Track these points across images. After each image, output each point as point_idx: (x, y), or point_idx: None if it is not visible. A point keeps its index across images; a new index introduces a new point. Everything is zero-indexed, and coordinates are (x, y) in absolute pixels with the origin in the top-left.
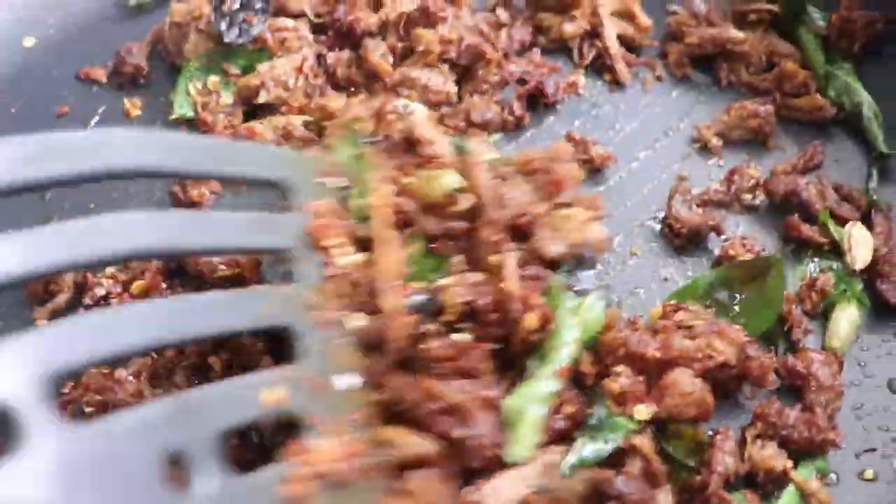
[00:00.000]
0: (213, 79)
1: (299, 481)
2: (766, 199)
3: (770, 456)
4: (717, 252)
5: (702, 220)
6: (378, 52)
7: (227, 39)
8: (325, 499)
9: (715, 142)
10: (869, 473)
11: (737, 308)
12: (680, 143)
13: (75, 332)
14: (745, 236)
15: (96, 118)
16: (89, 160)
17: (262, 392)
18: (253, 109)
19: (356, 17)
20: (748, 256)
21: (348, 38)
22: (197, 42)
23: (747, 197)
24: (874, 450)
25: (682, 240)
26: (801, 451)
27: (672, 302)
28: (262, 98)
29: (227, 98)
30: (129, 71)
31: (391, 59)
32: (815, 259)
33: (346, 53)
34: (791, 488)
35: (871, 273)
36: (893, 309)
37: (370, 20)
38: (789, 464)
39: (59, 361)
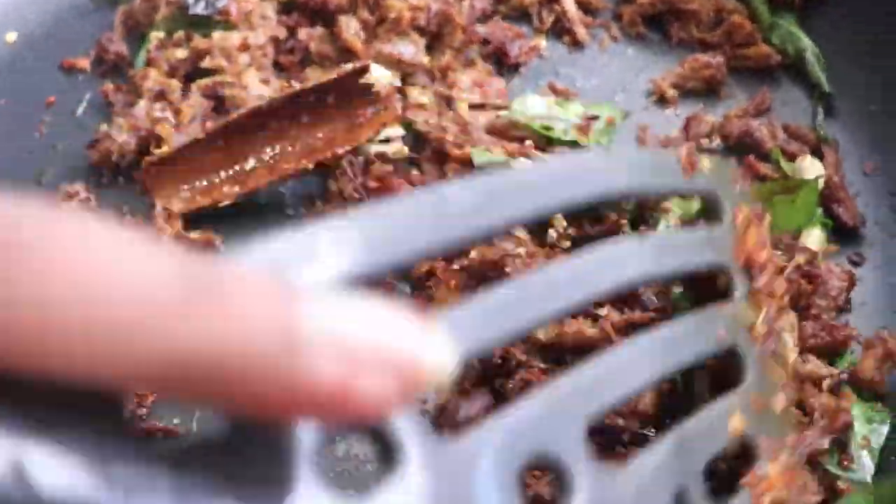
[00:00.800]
0: (179, 34)
1: None
2: (721, 143)
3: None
4: None
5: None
6: (351, 30)
7: (192, 11)
8: None
9: (671, 93)
10: None
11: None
12: (638, 97)
13: (604, 374)
14: None
15: (83, 105)
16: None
17: (731, 419)
18: (196, 73)
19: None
20: None
21: (320, 15)
22: (165, 14)
23: (704, 141)
24: None
25: None
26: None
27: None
28: (206, 63)
29: (181, 54)
30: (111, 58)
31: (363, 35)
32: None
33: (318, 30)
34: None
35: (827, 200)
36: (852, 230)
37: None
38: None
39: (600, 409)
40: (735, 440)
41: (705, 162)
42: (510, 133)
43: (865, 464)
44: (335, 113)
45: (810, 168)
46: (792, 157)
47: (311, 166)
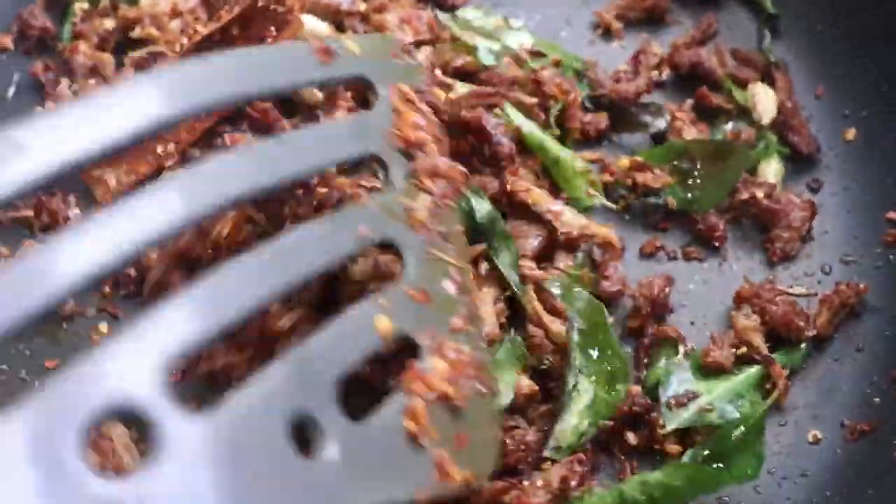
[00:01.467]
0: (104, 3)
1: (421, 410)
2: (671, 73)
3: (752, 328)
4: (661, 126)
5: (637, 89)
6: None
7: None
8: (443, 424)
9: (616, 25)
10: None
11: (695, 181)
12: (583, 31)
13: (183, 311)
14: (696, 122)
15: (13, 88)
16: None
17: (378, 320)
18: (126, 43)
19: None
20: (696, 134)
21: None
22: None
23: (654, 73)
24: None
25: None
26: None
27: (639, 158)
28: (136, 33)
29: (108, 24)
30: (35, 33)
31: None
32: (729, 123)
33: None
34: (755, 369)
35: (781, 128)
36: (808, 157)
37: None
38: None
39: (177, 347)
40: (390, 339)
41: (350, 45)
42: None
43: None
44: (244, 42)
45: (763, 95)
46: (743, 84)
47: None
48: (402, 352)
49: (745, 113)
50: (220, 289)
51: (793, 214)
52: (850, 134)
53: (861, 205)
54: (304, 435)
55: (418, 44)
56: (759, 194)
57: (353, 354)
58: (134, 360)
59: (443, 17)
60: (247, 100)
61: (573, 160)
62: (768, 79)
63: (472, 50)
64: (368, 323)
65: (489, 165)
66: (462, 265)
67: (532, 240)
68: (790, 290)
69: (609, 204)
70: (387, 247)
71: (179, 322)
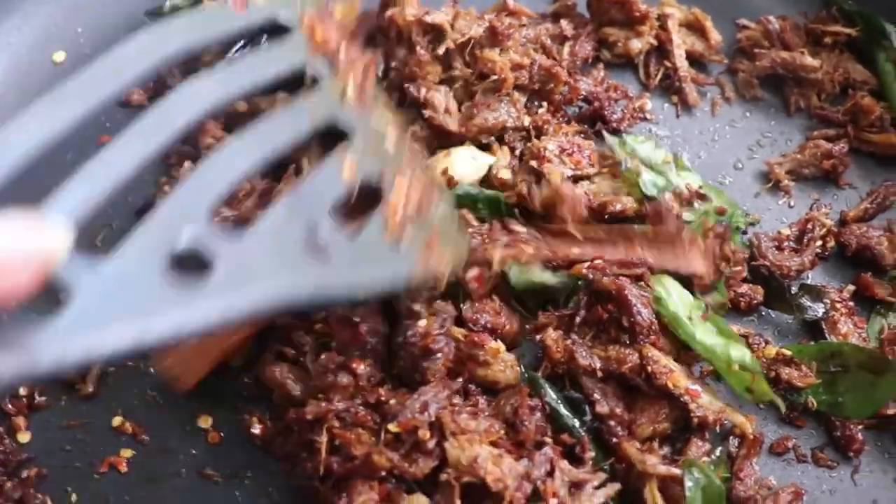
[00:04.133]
0: None
1: (396, 220)
2: (835, 247)
3: None
4: (818, 313)
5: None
6: (442, 110)
7: None
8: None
9: (786, 181)
10: None
11: (842, 386)
12: (750, 181)
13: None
14: (854, 313)
15: None
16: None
17: (343, 170)
18: None
19: (418, 85)
20: (856, 338)
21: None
22: None
23: (818, 244)
24: None
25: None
26: None
27: (788, 352)
28: None
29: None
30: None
31: (455, 107)
32: (889, 316)
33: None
34: None
35: None
36: None
37: (433, 78)
38: None
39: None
40: (354, 182)
41: None
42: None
43: None
44: None
45: None
46: None
47: None
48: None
49: None
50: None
51: None
52: None
53: None
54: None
55: (576, 179)
56: None
57: (338, 189)
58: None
59: (610, 140)
60: (178, 61)
61: (728, 357)
62: None
63: (634, 182)
64: (336, 172)
65: (627, 334)
66: (393, 128)
67: (658, 424)
68: None
69: (778, 400)
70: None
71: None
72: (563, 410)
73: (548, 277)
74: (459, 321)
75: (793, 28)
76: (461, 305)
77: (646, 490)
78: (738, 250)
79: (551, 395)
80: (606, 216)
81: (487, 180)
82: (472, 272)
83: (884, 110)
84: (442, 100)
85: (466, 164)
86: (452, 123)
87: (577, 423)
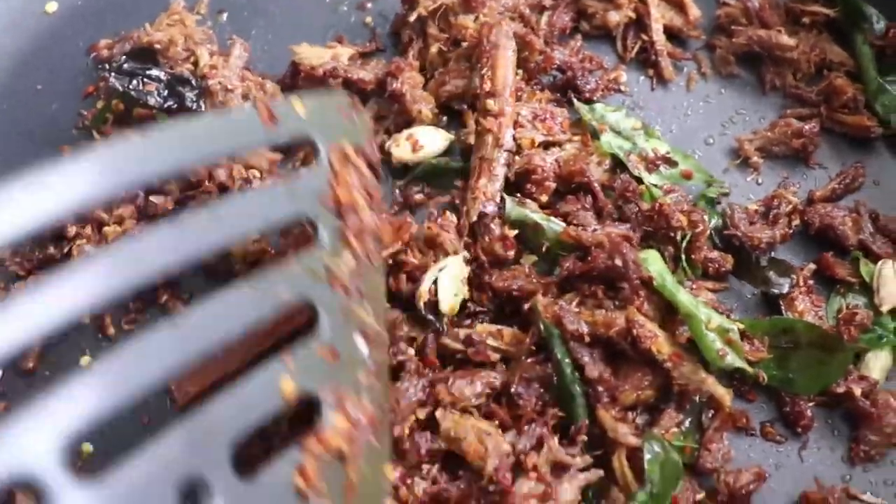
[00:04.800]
0: None
1: (312, 468)
2: (799, 225)
3: None
4: (783, 289)
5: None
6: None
7: None
8: (333, 477)
9: (756, 158)
10: None
11: (794, 363)
12: (720, 156)
13: (85, 387)
14: (812, 291)
15: None
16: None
17: (283, 382)
18: None
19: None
20: (812, 316)
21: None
22: None
23: (783, 222)
24: None
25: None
26: None
27: (741, 326)
28: None
29: None
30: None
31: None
32: (847, 295)
33: None
34: None
35: None
36: None
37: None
38: None
39: (75, 422)
40: (291, 402)
41: (297, 106)
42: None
43: None
44: None
45: (890, 279)
46: (874, 259)
47: None
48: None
49: (867, 290)
50: (125, 364)
51: (886, 419)
52: None
53: None
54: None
55: (547, 145)
56: (857, 391)
57: (254, 416)
58: (34, 435)
59: (579, 105)
60: (195, 165)
61: (709, 315)
62: None
63: (605, 152)
64: (274, 385)
65: (614, 293)
66: (376, 324)
67: (641, 391)
68: (862, 497)
69: (746, 367)
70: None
71: (81, 399)
72: (568, 371)
73: (540, 218)
74: None
75: (772, 6)
76: None
77: (614, 458)
78: (699, 210)
79: (560, 351)
80: (573, 185)
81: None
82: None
83: (857, 92)
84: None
85: (431, 136)
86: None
87: (578, 388)
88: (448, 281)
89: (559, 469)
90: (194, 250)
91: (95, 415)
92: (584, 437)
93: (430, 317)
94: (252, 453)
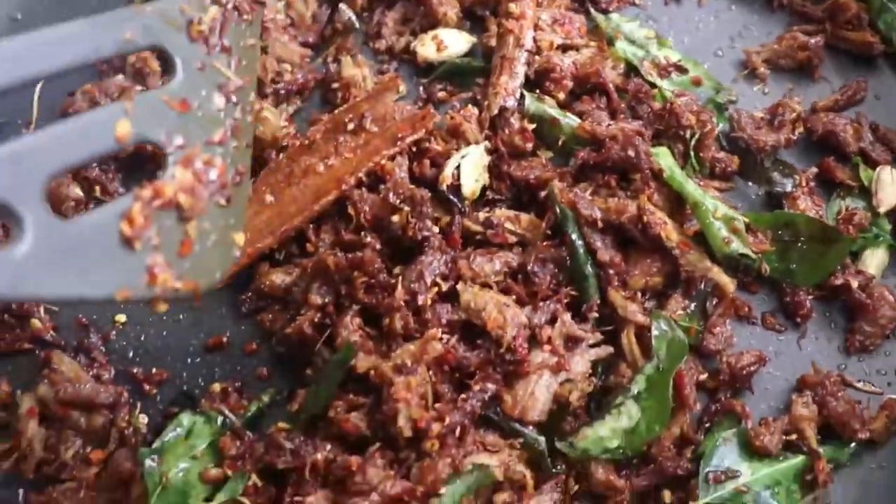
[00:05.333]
0: None
1: (141, 215)
2: (803, 133)
3: (807, 418)
4: (787, 188)
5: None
6: None
7: None
8: (168, 231)
9: (763, 69)
10: None
11: (794, 255)
12: (728, 67)
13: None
14: (813, 193)
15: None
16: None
17: (119, 124)
18: None
19: None
20: (813, 214)
21: None
22: None
23: (787, 128)
24: None
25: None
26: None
27: (746, 219)
28: None
29: None
30: None
31: None
32: (847, 199)
33: None
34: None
35: None
36: None
37: None
38: None
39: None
40: (124, 144)
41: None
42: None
43: None
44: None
45: (888, 182)
46: (873, 165)
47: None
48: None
49: (866, 194)
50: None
51: (881, 311)
52: None
53: None
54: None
55: (565, 48)
56: (854, 284)
57: (78, 152)
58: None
59: (596, 14)
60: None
61: (716, 205)
62: None
63: (620, 57)
64: (108, 125)
65: (626, 189)
66: (242, 79)
67: (650, 277)
68: (856, 384)
69: (750, 253)
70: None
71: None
72: (581, 252)
73: (557, 113)
74: None
75: None
76: None
77: (623, 335)
78: (708, 111)
79: (574, 234)
80: (589, 86)
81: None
82: None
83: (861, 9)
84: None
85: (455, 37)
86: None
87: (590, 268)
88: (470, 166)
89: (572, 343)
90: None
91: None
92: (596, 314)
93: (453, 198)
94: None
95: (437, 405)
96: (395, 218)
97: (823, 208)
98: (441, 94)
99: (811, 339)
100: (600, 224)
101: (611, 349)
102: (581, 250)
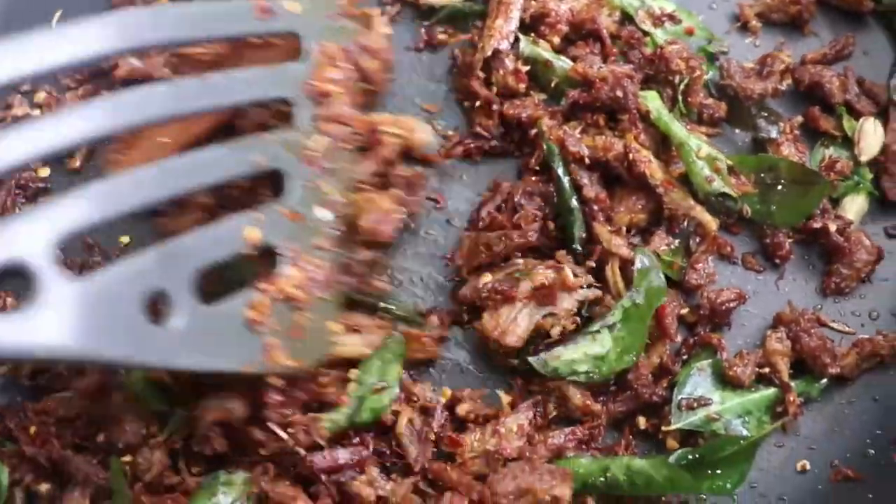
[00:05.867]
0: None
1: (263, 304)
2: (791, 84)
3: (781, 353)
4: (772, 134)
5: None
6: None
7: None
8: (283, 318)
9: (755, 22)
10: None
11: (775, 198)
12: (721, 20)
13: (82, 196)
14: (798, 140)
15: None
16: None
17: (246, 230)
18: None
19: None
20: (797, 159)
21: None
22: None
23: (776, 79)
24: None
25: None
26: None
27: (730, 162)
28: None
29: None
30: None
31: None
32: (830, 148)
33: None
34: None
35: (878, 169)
36: (893, 204)
37: None
38: None
39: (68, 224)
40: (252, 247)
41: (289, 4)
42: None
43: None
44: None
45: (870, 132)
46: (857, 116)
47: None
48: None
49: (848, 143)
50: (118, 184)
51: (857, 255)
52: None
53: None
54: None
55: None
56: (832, 227)
57: (218, 252)
58: (30, 229)
59: None
60: (188, 43)
61: (699, 145)
62: (883, 116)
63: (615, 6)
64: (239, 230)
65: (614, 129)
66: (343, 197)
67: (634, 214)
68: (830, 323)
69: (729, 191)
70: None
71: (77, 207)
72: (567, 187)
73: (551, 56)
74: None
75: None
76: None
77: (608, 268)
78: (698, 57)
79: (561, 169)
80: (584, 31)
81: None
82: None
83: None
84: None
85: None
86: None
87: (576, 203)
88: None
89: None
90: (186, 107)
91: (87, 222)
92: (579, 248)
93: None
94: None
95: None
96: None
97: (807, 156)
98: (441, 37)
99: (789, 280)
100: (587, 161)
101: (599, 292)
102: (567, 186)
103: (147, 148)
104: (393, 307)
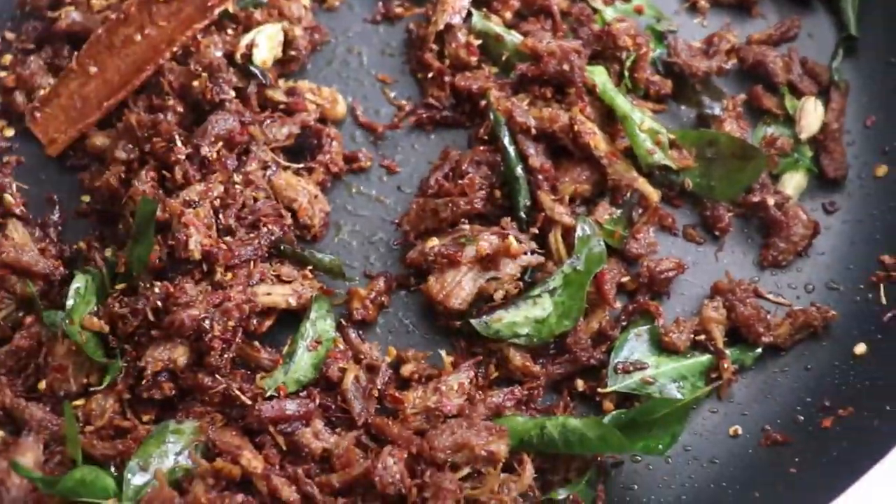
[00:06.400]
0: None
1: None
2: (736, 63)
3: (716, 320)
4: (716, 111)
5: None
6: None
7: None
8: None
9: (703, 3)
10: None
11: (716, 171)
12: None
13: None
14: (741, 117)
15: None
16: None
17: None
18: None
19: None
20: (736, 129)
21: None
22: None
23: (721, 58)
24: None
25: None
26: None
27: (672, 136)
28: None
29: None
30: None
31: None
32: (772, 126)
33: None
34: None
35: (818, 146)
36: (832, 181)
37: None
38: None
39: None
40: None
41: None
42: None
43: None
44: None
45: (811, 111)
46: (799, 95)
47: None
48: None
49: (790, 122)
50: None
51: (794, 229)
52: (882, 170)
53: (866, 240)
54: None
55: None
56: (771, 201)
57: None
58: None
59: None
60: None
61: (643, 118)
62: (825, 96)
63: None
64: None
65: (561, 102)
66: None
67: (579, 185)
68: (766, 295)
69: (670, 163)
70: None
71: None
72: (513, 157)
73: (502, 30)
74: None
75: None
76: None
77: (551, 235)
78: (645, 34)
79: (508, 140)
80: (535, 7)
81: None
82: None
83: None
84: None
85: None
86: None
87: (521, 172)
88: (265, 39)
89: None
90: None
91: None
92: (524, 215)
93: (255, 69)
94: None
95: (227, 238)
96: (196, 83)
97: (749, 133)
98: (398, 10)
99: (728, 253)
100: (534, 132)
101: (542, 259)
102: (513, 155)
103: (67, 106)
104: (319, 258)
